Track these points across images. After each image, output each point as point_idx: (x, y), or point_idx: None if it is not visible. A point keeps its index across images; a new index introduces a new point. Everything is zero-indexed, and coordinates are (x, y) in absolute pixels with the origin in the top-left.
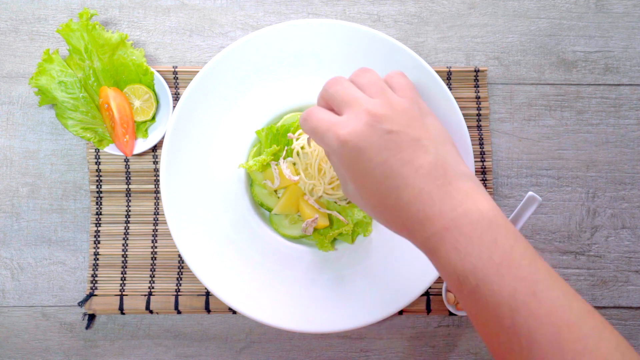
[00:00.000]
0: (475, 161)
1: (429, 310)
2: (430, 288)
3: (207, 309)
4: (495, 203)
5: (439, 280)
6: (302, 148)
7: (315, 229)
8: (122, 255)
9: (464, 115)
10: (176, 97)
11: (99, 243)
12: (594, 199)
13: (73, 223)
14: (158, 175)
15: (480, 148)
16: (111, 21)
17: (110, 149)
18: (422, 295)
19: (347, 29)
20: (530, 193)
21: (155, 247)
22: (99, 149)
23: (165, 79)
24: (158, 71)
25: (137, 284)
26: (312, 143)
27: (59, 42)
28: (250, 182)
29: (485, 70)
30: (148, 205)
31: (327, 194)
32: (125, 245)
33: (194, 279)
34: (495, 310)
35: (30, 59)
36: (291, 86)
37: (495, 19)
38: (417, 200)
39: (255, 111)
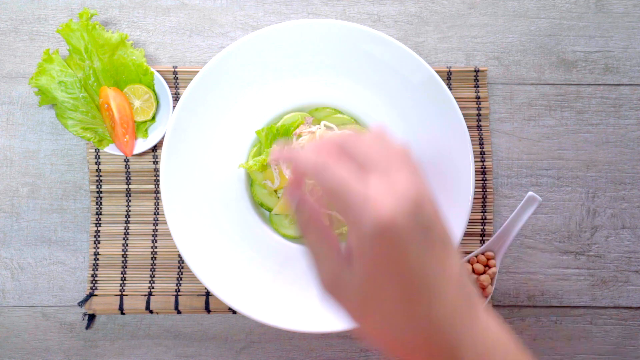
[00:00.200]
0: (475, 161)
1: None
2: None
3: (207, 309)
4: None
5: None
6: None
7: None
8: (122, 255)
9: (464, 115)
10: (176, 97)
11: (99, 243)
12: (594, 199)
13: (73, 223)
14: (158, 175)
15: (480, 148)
16: (111, 21)
17: (110, 149)
18: None
19: (347, 29)
20: (530, 193)
21: (155, 247)
22: (99, 149)
23: (165, 79)
24: (158, 71)
25: (137, 284)
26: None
27: (59, 42)
28: (250, 182)
29: (485, 70)
30: (148, 205)
31: None
32: (125, 245)
33: (194, 279)
34: None
35: (30, 59)
36: (291, 86)
37: (495, 19)
38: (451, 320)
39: (255, 111)
